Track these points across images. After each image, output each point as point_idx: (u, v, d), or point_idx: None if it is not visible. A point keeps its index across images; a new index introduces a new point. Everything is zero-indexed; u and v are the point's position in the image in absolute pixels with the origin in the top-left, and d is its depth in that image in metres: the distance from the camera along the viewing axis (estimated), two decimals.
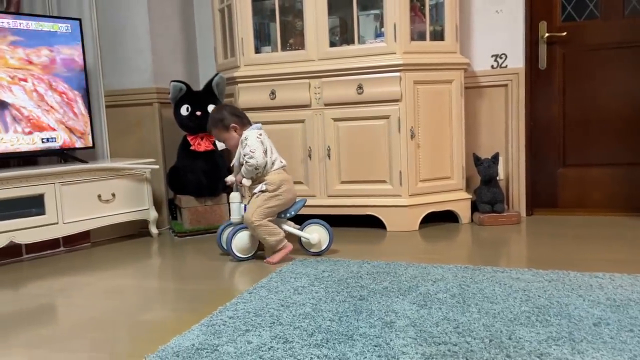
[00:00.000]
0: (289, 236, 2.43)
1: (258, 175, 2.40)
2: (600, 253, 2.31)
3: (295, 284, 1.99)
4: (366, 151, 2.91)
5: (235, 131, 2.45)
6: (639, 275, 1.91)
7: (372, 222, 2.96)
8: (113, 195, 2.85)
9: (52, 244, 2.76)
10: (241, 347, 1.43)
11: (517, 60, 3.13)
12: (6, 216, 2.50)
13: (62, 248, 2.82)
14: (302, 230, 2.47)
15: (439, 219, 3.02)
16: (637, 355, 1.29)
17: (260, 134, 2.42)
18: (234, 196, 2.44)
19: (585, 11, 3.11)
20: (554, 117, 3.19)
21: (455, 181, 3.00)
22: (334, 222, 3.07)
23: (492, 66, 3.17)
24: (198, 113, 3.03)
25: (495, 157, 3.01)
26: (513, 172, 3.19)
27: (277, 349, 1.41)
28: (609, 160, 3.11)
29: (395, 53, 2.83)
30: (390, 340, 1.43)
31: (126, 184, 2.92)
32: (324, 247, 2.48)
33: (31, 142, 2.71)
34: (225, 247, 2.48)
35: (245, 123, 2.47)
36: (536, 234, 2.78)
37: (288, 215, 2.45)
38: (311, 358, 1.35)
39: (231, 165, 2.56)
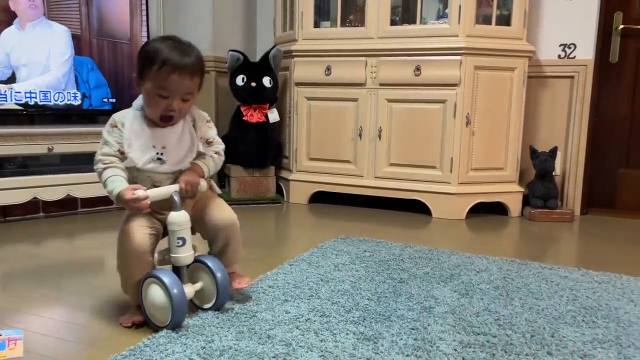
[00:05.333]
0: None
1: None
2: None
3: (336, 260, 2.00)
4: (418, 135, 2.86)
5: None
6: None
7: (417, 207, 2.92)
8: None
9: (107, 200, 2.85)
10: (279, 315, 1.45)
11: (586, 52, 2.97)
12: (65, 170, 2.62)
13: (115, 205, 2.92)
14: None
15: (488, 211, 2.94)
16: None
17: None
18: (184, 219, 1.40)
19: None
20: (620, 114, 3.02)
21: (508, 173, 2.91)
22: (380, 204, 3.05)
23: (559, 56, 3.02)
24: (253, 84, 3.05)
25: (553, 151, 2.89)
26: (570, 168, 3.06)
27: (314, 321, 1.42)
28: None
29: (457, 35, 2.74)
30: (428, 325, 1.41)
31: None
32: None
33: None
34: (176, 313, 1.32)
35: None
36: (589, 233, 2.67)
37: None
38: (347, 333, 1.35)
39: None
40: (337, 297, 1.61)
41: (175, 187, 1.40)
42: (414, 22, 2.91)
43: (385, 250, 2.16)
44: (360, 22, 3.02)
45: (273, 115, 3.17)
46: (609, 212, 3.07)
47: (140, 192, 1.33)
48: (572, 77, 3.01)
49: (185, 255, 1.41)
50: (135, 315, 1.42)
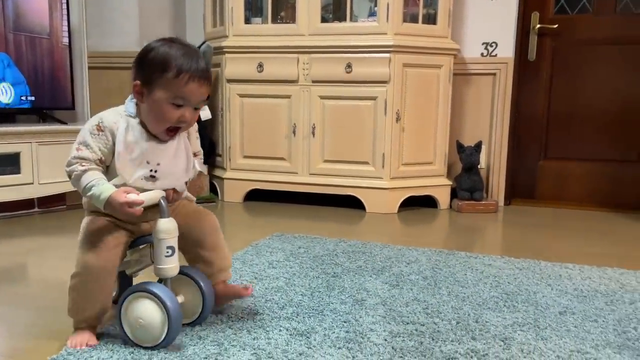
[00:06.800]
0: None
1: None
2: (572, 245, 2.34)
3: (270, 257, 1.99)
4: (351, 131, 2.90)
5: None
6: (607, 268, 1.95)
7: (352, 203, 2.97)
8: None
9: (27, 204, 2.72)
10: (210, 316, 1.43)
11: (507, 50, 3.12)
12: None
13: (36, 209, 2.77)
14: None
15: (418, 204, 3.03)
16: (599, 345, 1.32)
17: None
18: (173, 227, 1.26)
19: (578, 5, 3.10)
20: (538, 109, 3.21)
21: (437, 167, 3.02)
22: (315, 200, 3.07)
23: (482, 54, 3.16)
24: None
25: (478, 146, 3.02)
26: (494, 162, 3.21)
27: (247, 320, 1.42)
28: (590, 156, 3.15)
29: (386, 34, 2.80)
30: (360, 317, 1.44)
31: None
32: None
33: (8, 99, 2.64)
34: (173, 329, 1.23)
35: None
36: (512, 223, 2.81)
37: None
38: (280, 330, 1.35)
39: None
40: (271, 294, 1.61)
41: (162, 192, 1.28)
42: (344, 19, 2.95)
43: (319, 245, 2.18)
44: (292, 18, 3.02)
45: (205, 113, 3.11)
46: (530, 202, 3.25)
47: (134, 196, 1.19)
48: (494, 74, 3.15)
49: (173, 265, 1.26)
50: (89, 339, 1.27)
